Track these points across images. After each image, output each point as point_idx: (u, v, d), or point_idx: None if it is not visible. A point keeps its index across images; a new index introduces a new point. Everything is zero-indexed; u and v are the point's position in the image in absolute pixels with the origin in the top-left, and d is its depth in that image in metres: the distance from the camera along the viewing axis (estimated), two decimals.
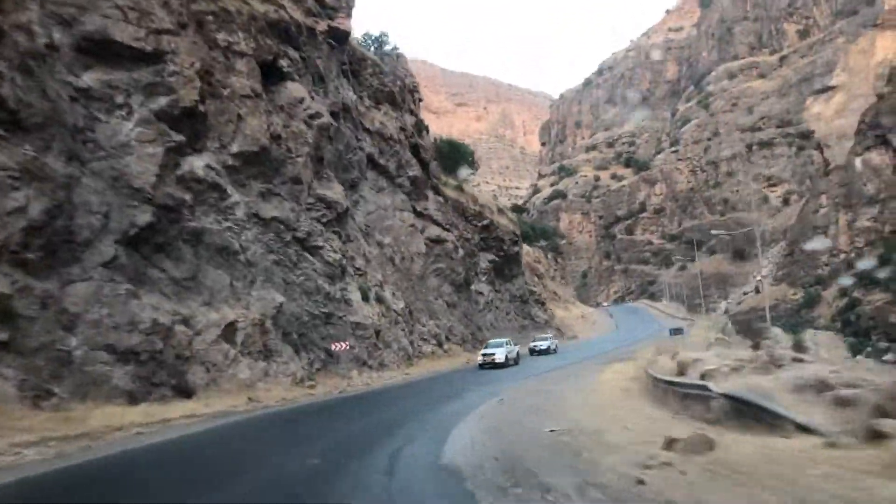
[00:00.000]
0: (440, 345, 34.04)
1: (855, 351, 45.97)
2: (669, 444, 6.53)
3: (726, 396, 9.05)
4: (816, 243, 65.53)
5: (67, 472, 8.82)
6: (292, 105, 24.97)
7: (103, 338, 15.23)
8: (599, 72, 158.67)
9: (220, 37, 21.49)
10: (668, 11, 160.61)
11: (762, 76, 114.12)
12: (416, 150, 39.15)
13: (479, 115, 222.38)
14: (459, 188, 47.08)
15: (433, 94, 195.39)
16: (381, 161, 35.08)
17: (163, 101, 18.39)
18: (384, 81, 37.40)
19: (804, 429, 7.11)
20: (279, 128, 23.72)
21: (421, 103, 48.97)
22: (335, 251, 25.52)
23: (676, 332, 29.78)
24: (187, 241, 18.80)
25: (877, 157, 63.94)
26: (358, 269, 27.99)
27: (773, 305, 79.05)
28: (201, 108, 19.64)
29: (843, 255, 65.39)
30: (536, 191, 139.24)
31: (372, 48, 43.08)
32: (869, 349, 46.61)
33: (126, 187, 17.12)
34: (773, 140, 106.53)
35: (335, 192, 26.98)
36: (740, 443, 6.97)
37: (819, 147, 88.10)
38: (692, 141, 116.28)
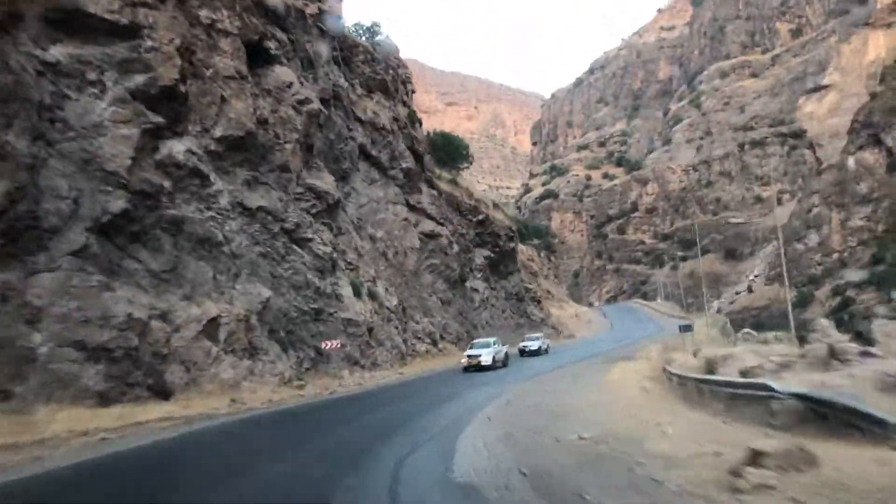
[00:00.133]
0: (435, 343, 32.82)
1: None
2: (754, 457, 5.32)
3: (800, 397, 7.74)
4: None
5: None
6: (280, 89, 23.71)
7: (72, 333, 14.00)
8: (591, 71, 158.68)
9: (203, 13, 20.23)
10: (660, 10, 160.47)
11: (755, 75, 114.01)
12: (409, 141, 37.89)
13: (469, 115, 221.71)
14: (454, 182, 45.88)
15: (423, 93, 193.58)
16: (374, 152, 33.81)
17: (139, 79, 17.13)
18: (376, 69, 36.16)
19: None
20: (266, 112, 22.45)
21: (413, 95, 47.65)
22: (325, 244, 24.25)
23: (686, 328, 28.72)
24: (166, 231, 17.48)
25: (869, 156, 63.99)
26: (349, 263, 26.73)
27: (765, 305, 78.90)
28: (182, 88, 18.34)
29: (835, 255, 65.18)
30: (528, 190, 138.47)
31: (364, 38, 41.73)
32: None
33: (98, 171, 15.84)
34: (765, 139, 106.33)
35: (326, 182, 25.72)
36: (847, 457, 5.76)
37: (812, 146, 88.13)
38: (684, 140, 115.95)
